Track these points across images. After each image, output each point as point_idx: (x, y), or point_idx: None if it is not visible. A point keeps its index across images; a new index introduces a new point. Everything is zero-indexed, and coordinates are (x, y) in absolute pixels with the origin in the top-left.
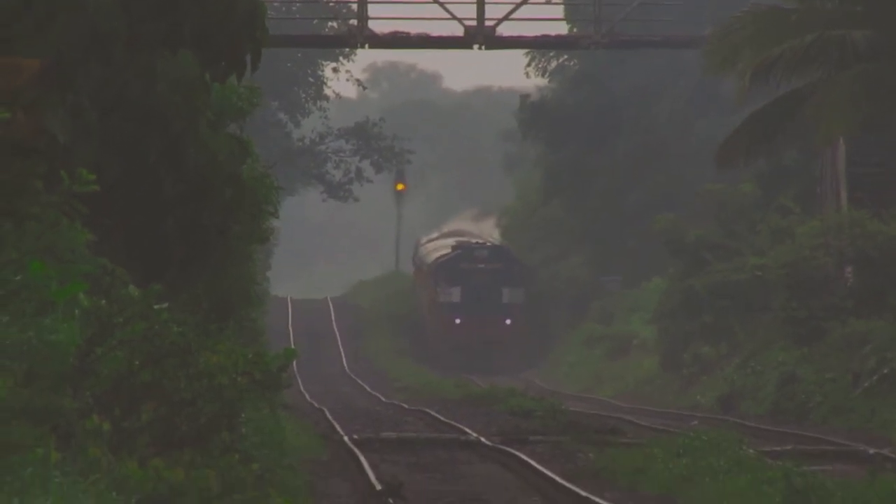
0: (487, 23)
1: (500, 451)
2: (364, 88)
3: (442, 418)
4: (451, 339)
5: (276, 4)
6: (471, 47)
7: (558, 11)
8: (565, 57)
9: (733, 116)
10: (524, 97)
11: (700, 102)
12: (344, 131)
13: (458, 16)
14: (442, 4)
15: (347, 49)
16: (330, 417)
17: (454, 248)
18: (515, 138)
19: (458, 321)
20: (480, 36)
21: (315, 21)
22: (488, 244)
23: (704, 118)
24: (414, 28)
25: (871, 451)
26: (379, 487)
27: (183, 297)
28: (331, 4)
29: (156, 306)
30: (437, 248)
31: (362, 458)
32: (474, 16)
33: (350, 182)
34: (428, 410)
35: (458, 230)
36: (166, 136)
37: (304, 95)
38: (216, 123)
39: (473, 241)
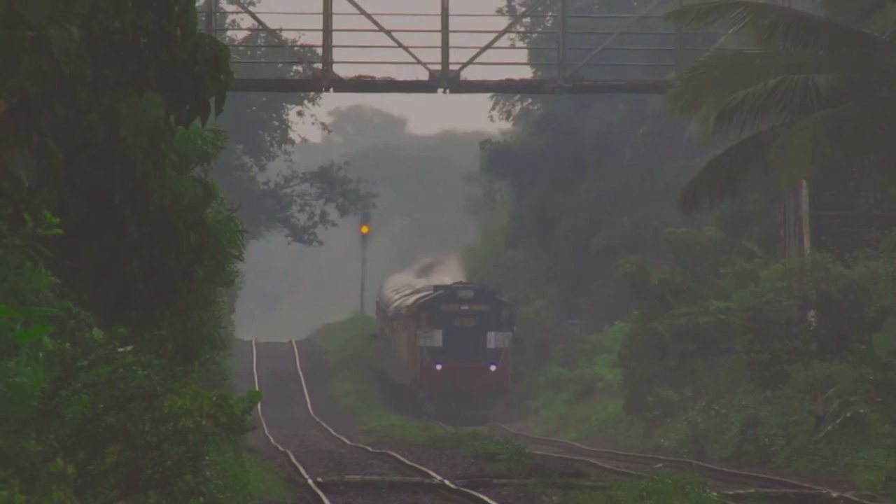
0: (452, 67)
1: (464, 494)
2: (329, 132)
3: (406, 461)
4: (431, 387)
5: (240, 48)
6: (435, 91)
7: (522, 56)
8: (529, 101)
9: (697, 159)
10: (484, 143)
11: (664, 146)
12: (308, 175)
13: (423, 60)
14: (406, 49)
15: (312, 93)
16: (294, 460)
17: (436, 287)
18: (480, 181)
19: (438, 367)
20: (445, 80)
21: (280, 65)
22: (472, 284)
23: (668, 161)
24: (378, 72)
25: (834, 494)
26: None
27: (147, 339)
28: (295, 48)
29: (120, 349)
30: (408, 293)
31: (326, 501)
32: (439, 60)
33: (314, 225)
34: (392, 453)
35: (410, 284)
36: (131, 178)
37: (268, 139)
38: (180, 166)
39: (456, 280)
